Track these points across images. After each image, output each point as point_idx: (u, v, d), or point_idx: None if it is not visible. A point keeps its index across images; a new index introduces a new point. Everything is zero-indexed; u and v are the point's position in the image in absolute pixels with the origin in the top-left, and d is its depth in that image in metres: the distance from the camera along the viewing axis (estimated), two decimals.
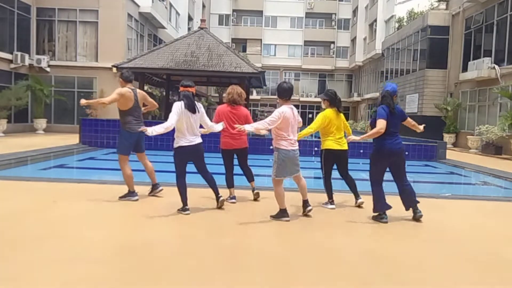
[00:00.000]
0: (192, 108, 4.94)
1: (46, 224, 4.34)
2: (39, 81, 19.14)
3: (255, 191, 5.98)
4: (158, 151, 12.09)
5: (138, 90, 5.80)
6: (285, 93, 4.90)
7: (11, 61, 18.35)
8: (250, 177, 5.99)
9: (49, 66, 20.16)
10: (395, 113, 4.98)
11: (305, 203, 5.10)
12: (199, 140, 5.08)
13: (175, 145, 5.00)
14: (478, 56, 19.06)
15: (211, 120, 5.51)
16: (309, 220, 4.93)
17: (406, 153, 12.74)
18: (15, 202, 5.30)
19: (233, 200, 5.75)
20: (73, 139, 13.73)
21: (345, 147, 5.70)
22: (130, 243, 3.86)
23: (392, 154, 4.98)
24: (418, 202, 5.10)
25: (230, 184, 5.80)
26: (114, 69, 15.98)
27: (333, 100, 5.66)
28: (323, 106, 5.87)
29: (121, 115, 5.65)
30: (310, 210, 5.07)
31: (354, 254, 3.80)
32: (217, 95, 36.14)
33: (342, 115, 5.83)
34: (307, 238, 4.28)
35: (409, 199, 5.08)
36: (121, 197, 5.64)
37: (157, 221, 4.72)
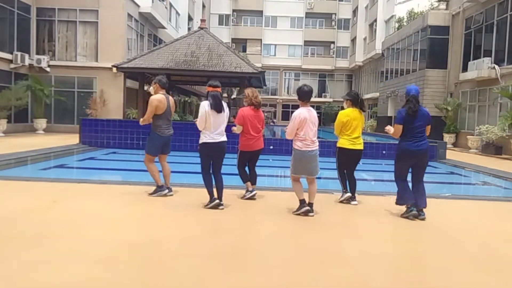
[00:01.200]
0: (218, 108, 5.11)
1: (46, 224, 4.33)
2: (39, 81, 19.13)
3: (252, 193, 5.95)
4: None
5: (170, 97, 5.96)
6: (305, 95, 5.06)
7: (11, 61, 18.35)
8: (254, 181, 6.04)
9: (49, 66, 20.15)
10: (416, 117, 4.98)
11: (310, 206, 5.12)
12: (224, 138, 5.22)
13: (200, 141, 5.18)
14: (478, 56, 19.07)
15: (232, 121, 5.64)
16: (309, 220, 4.93)
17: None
18: (15, 202, 5.30)
19: (253, 193, 5.83)
20: (73, 139, 13.73)
21: (360, 147, 5.79)
22: (130, 243, 3.86)
23: (412, 155, 5.01)
24: (425, 206, 5.09)
25: (246, 179, 5.92)
26: (114, 69, 15.95)
27: (355, 100, 5.79)
28: (345, 106, 5.93)
29: (153, 119, 5.78)
30: (312, 215, 5.05)
31: (354, 254, 3.80)
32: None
33: (362, 115, 5.91)
34: (307, 238, 4.29)
35: (418, 199, 5.09)
36: (150, 194, 5.78)
37: (158, 221, 4.72)
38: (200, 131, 5.23)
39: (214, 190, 5.22)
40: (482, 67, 17.93)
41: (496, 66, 17.40)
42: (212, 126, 5.10)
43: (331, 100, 41.92)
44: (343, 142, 5.73)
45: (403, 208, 5.21)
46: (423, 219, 5.01)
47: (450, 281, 3.26)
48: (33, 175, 8.17)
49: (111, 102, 19.49)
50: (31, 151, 10.79)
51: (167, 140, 5.88)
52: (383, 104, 29.66)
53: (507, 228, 5.01)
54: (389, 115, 27.34)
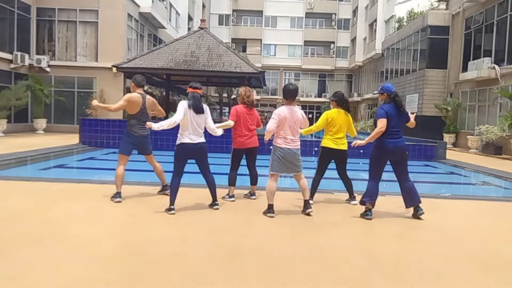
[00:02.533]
0: (197, 109, 5.03)
1: (46, 224, 4.33)
2: (39, 81, 19.14)
3: (253, 197, 5.99)
4: (159, 151, 12.10)
5: (148, 97, 5.86)
6: (287, 93, 5.09)
7: (11, 61, 18.36)
8: (254, 180, 6.03)
9: (49, 66, 20.15)
10: (402, 113, 5.10)
11: (306, 204, 5.15)
12: (202, 140, 5.14)
13: (177, 142, 5.07)
14: (478, 56, 19.07)
15: (226, 119, 5.60)
16: (309, 220, 4.93)
17: (406, 153, 12.80)
18: (15, 202, 5.30)
19: (232, 199, 5.79)
20: (73, 139, 13.73)
21: (343, 147, 5.80)
22: (130, 243, 3.86)
23: (393, 152, 5.02)
24: (420, 202, 5.14)
25: (232, 182, 5.84)
26: (114, 69, 15.95)
27: (340, 101, 5.82)
28: (331, 107, 5.97)
29: (128, 118, 5.78)
30: (310, 212, 5.09)
31: (354, 254, 3.79)
32: (217, 95, 36.12)
33: (349, 116, 5.93)
34: (307, 238, 4.28)
35: (410, 197, 5.11)
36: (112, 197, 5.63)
37: (157, 221, 4.72)
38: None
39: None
40: (482, 67, 17.94)
41: (496, 66, 17.40)
42: (191, 126, 5.01)
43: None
44: (327, 142, 5.76)
45: (403, 207, 5.22)
46: (421, 214, 5.08)
47: (450, 281, 3.26)
48: (33, 175, 8.17)
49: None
50: (30, 151, 10.79)
51: (141, 140, 5.72)
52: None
53: (507, 228, 5.01)
54: None
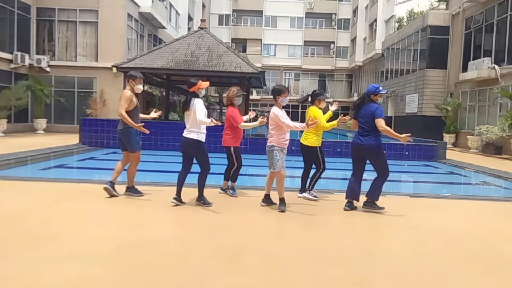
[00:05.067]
0: (183, 107, 5.33)
1: (46, 224, 4.33)
2: (39, 81, 19.14)
3: (227, 191, 6.16)
4: (158, 151, 12.12)
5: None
6: (277, 93, 5.31)
7: (11, 61, 18.36)
8: (234, 178, 6.20)
9: (49, 66, 20.16)
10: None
11: (266, 197, 5.50)
12: (189, 135, 5.26)
13: (202, 140, 5.36)
14: (478, 56, 19.07)
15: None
16: (309, 220, 4.93)
17: (406, 153, 12.80)
18: (15, 202, 5.30)
19: (231, 192, 6.06)
20: (73, 139, 13.73)
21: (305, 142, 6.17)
22: (130, 243, 3.86)
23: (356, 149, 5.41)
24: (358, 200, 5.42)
25: (226, 177, 6.16)
26: (114, 69, 15.96)
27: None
28: (322, 105, 6.05)
29: (128, 115, 5.84)
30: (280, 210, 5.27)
31: (354, 254, 3.79)
32: (217, 95, 36.11)
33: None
34: (307, 238, 4.28)
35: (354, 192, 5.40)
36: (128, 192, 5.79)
37: (157, 221, 4.72)
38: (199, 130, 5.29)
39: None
40: (482, 67, 17.94)
41: (496, 66, 17.40)
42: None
43: (331, 100, 41.85)
44: (319, 140, 6.08)
45: (403, 207, 5.22)
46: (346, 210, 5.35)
47: (450, 281, 3.25)
48: (33, 175, 8.17)
49: (111, 102, 19.50)
50: (31, 151, 10.79)
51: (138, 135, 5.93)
52: (383, 104, 29.64)
53: (507, 228, 5.01)
54: (389, 115, 27.33)
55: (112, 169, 5.90)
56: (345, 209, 5.38)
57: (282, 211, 5.18)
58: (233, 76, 15.70)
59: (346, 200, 5.46)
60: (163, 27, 26.61)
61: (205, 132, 5.35)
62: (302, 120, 5.39)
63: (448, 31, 22.08)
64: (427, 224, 4.94)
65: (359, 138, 5.33)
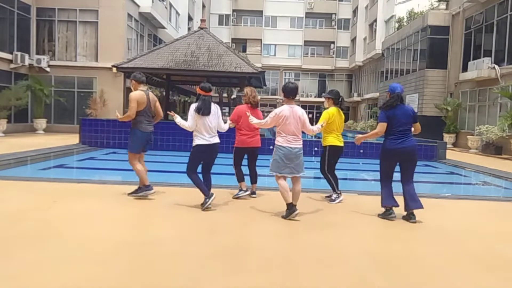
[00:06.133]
0: (205, 112, 5.14)
1: (46, 224, 4.33)
2: (39, 81, 19.13)
3: (253, 196, 6.05)
4: (158, 151, 12.11)
5: (150, 93, 5.91)
6: (288, 92, 5.08)
7: (11, 61, 18.35)
8: (254, 179, 6.11)
9: (49, 66, 20.15)
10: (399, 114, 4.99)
11: (292, 206, 4.98)
12: (216, 140, 5.27)
13: (193, 143, 5.23)
14: (478, 56, 19.06)
15: (226, 118, 5.83)
16: (309, 220, 4.93)
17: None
18: (15, 202, 5.30)
19: (247, 193, 5.93)
20: (73, 139, 13.73)
21: (343, 144, 6.03)
22: (130, 243, 3.86)
23: (396, 153, 4.99)
24: (416, 208, 4.95)
25: (240, 179, 5.99)
26: (114, 69, 15.95)
27: (336, 99, 5.95)
28: (326, 105, 6.07)
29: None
30: (296, 214, 4.92)
31: (354, 254, 3.79)
32: (217, 95, 36.08)
33: (343, 114, 6.07)
34: (307, 238, 4.28)
35: (412, 201, 4.99)
36: (131, 194, 5.69)
37: (157, 221, 4.72)
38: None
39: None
40: (482, 67, 17.93)
41: (496, 66, 17.40)
42: (204, 127, 5.15)
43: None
44: (332, 140, 5.90)
45: (403, 207, 5.21)
46: (413, 222, 4.90)
47: (450, 281, 3.25)
48: (33, 175, 8.17)
49: (111, 102, 19.49)
50: (31, 151, 10.79)
51: (150, 136, 5.83)
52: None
53: (507, 228, 5.01)
54: None
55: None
56: (392, 218, 5.03)
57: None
58: (233, 76, 15.69)
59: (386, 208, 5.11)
60: (163, 27, 26.60)
61: None
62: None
63: (448, 31, 22.07)
64: (427, 224, 4.93)
65: (403, 142, 4.93)
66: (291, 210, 4.87)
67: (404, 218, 5.05)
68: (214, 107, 5.28)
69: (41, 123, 19.23)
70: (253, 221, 4.86)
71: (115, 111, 6.57)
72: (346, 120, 6.22)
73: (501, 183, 9.36)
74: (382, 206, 5.12)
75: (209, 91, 5.24)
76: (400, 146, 4.94)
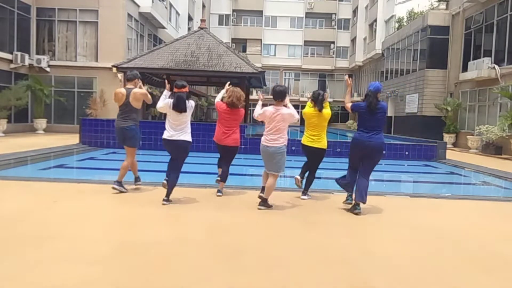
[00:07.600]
0: (180, 108, 5.28)
1: (46, 224, 4.33)
2: (39, 81, 19.14)
3: (219, 194, 6.00)
4: (158, 151, 12.10)
5: (134, 91, 6.01)
6: (275, 95, 5.34)
7: (11, 61, 18.36)
8: (223, 177, 6.08)
9: (49, 66, 20.16)
10: (376, 112, 5.24)
11: (263, 200, 5.31)
12: (181, 137, 5.33)
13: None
14: (478, 56, 19.07)
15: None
16: (309, 220, 4.93)
17: (406, 153, 12.80)
18: (15, 202, 5.29)
19: (218, 179, 6.04)
20: (73, 139, 13.73)
21: (318, 145, 5.97)
22: (129, 243, 3.85)
23: (361, 146, 5.25)
24: (364, 202, 5.21)
25: (220, 165, 6.17)
26: (114, 69, 15.98)
27: (315, 99, 6.07)
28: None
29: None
30: (260, 208, 5.24)
31: (354, 254, 3.79)
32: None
33: (325, 114, 6.05)
34: (307, 238, 4.28)
35: (358, 193, 5.22)
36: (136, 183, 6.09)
37: (157, 221, 4.72)
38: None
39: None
40: (482, 67, 17.94)
41: (496, 66, 17.40)
42: (171, 123, 5.32)
43: (331, 100, 41.91)
44: (303, 139, 6.07)
45: (403, 207, 5.22)
46: (357, 214, 5.13)
47: (450, 281, 3.25)
48: (33, 175, 8.16)
49: (111, 102, 19.48)
50: (31, 151, 10.79)
51: (122, 132, 6.09)
52: None
53: (507, 228, 5.01)
54: (389, 115, 27.35)
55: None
56: (356, 213, 5.21)
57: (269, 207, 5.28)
58: (233, 76, 15.70)
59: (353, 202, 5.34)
60: (163, 27, 26.61)
61: None
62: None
63: (448, 31, 22.08)
64: (427, 224, 4.93)
65: (371, 137, 5.20)
66: (261, 202, 5.25)
67: (349, 210, 5.32)
68: (190, 104, 5.37)
69: (41, 123, 19.24)
70: (252, 221, 4.85)
71: (115, 111, 6.70)
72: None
73: (501, 183, 9.36)
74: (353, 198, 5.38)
75: (181, 88, 5.31)
76: (366, 140, 5.20)
